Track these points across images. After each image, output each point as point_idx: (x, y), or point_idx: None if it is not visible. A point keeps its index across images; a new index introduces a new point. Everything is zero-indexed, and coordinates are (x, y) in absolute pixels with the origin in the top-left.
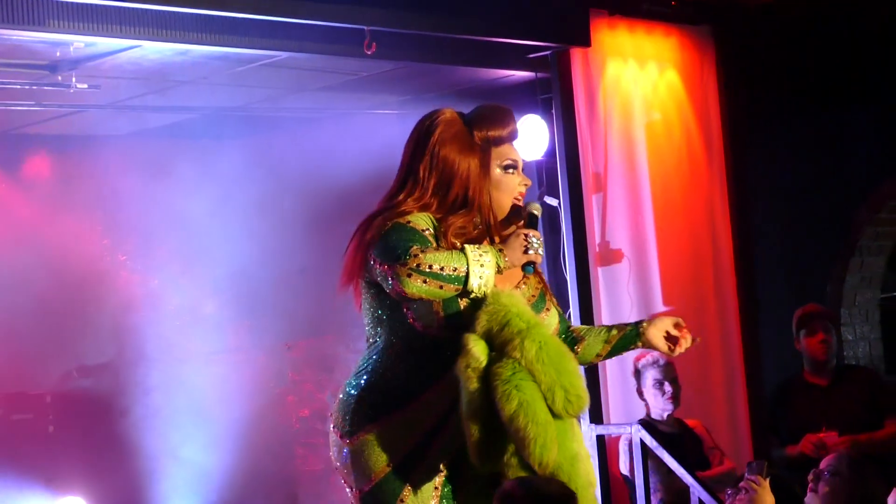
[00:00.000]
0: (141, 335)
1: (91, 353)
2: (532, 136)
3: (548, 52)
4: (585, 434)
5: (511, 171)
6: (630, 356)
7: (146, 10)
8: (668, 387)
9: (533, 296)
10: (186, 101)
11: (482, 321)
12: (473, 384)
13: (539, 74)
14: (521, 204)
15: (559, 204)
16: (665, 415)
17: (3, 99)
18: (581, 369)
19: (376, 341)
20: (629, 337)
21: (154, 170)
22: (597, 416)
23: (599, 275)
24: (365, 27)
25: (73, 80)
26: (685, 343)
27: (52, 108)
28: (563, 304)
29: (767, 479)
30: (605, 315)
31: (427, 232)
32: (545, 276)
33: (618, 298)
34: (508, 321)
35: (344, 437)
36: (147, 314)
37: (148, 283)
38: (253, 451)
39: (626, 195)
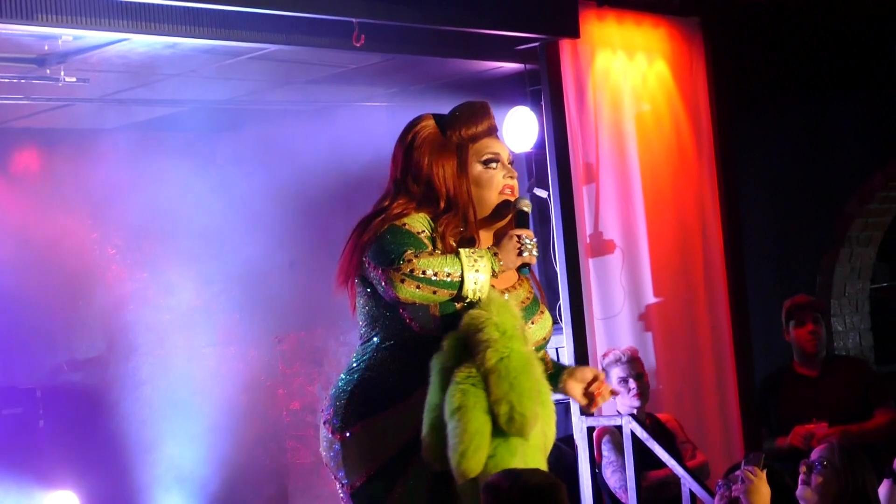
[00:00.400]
0: (131, 329)
1: (81, 347)
2: (521, 128)
3: (536, 44)
4: (576, 426)
5: (493, 164)
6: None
7: (134, 3)
8: (632, 383)
9: (528, 298)
10: (175, 94)
11: (463, 323)
12: (436, 382)
13: (528, 66)
14: (511, 197)
15: (549, 195)
16: (633, 411)
17: None
18: (542, 390)
19: (371, 339)
20: (551, 379)
21: (143, 163)
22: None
23: (591, 266)
24: (353, 19)
25: (62, 73)
26: (601, 400)
27: (41, 102)
28: (554, 296)
29: (764, 471)
30: (597, 307)
31: (423, 234)
32: (537, 276)
33: (609, 290)
34: (483, 328)
35: (335, 433)
36: (137, 308)
37: (137, 277)
38: (243, 444)
39: (616, 186)
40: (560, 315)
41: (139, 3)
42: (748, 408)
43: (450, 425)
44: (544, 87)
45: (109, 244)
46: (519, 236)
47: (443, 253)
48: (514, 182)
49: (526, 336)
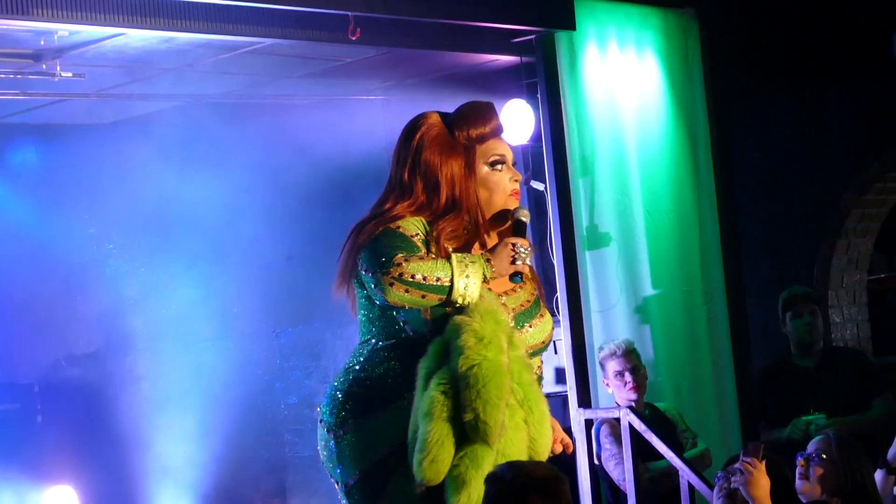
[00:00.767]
0: (128, 324)
1: (79, 342)
2: (517, 121)
3: (532, 37)
4: (574, 418)
5: (499, 166)
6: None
7: None
8: (628, 377)
9: (528, 301)
10: (170, 88)
11: (447, 327)
12: (420, 387)
13: (524, 59)
14: (517, 200)
15: (546, 188)
16: (630, 404)
17: None
18: (529, 396)
19: (368, 340)
20: None
21: (139, 158)
22: (585, 401)
23: (587, 259)
24: (349, 13)
25: (58, 68)
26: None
27: (37, 97)
28: (551, 289)
29: (763, 462)
30: (594, 299)
31: (417, 237)
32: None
33: (606, 282)
34: (462, 334)
35: (330, 431)
36: (134, 303)
37: (135, 272)
38: (241, 438)
39: (613, 178)
40: (557, 308)
41: None
42: (746, 399)
43: (419, 431)
44: (540, 80)
45: (106, 239)
46: (514, 244)
47: (437, 256)
48: (519, 185)
49: (513, 342)
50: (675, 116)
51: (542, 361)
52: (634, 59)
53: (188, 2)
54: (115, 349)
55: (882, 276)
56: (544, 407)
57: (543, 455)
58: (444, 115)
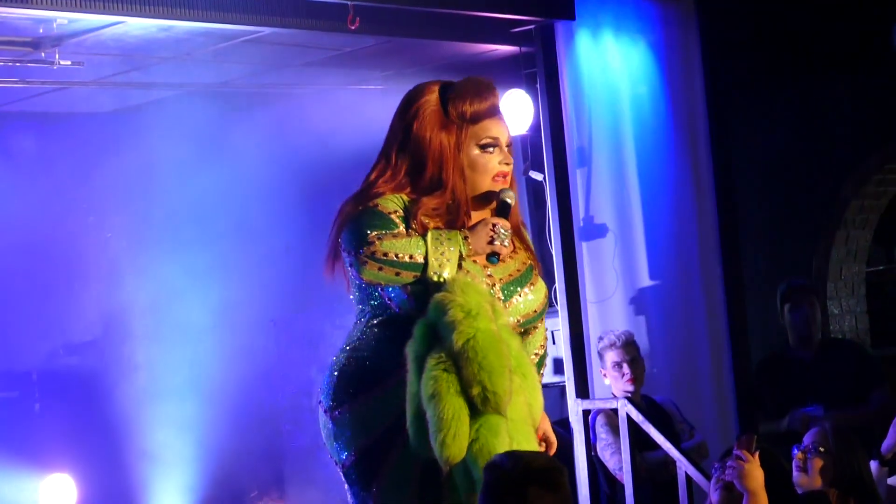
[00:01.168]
0: (127, 313)
1: (77, 330)
2: (516, 111)
3: (532, 26)
4: (571, 409)
5: (490, 150)
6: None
7: None
8: (626, 368)
9: (518, 270)
10: (169, 77)
11: (430, 307)
12: (413, 371)
13: (523, 48)
14: (504, 185)
15: (544, 178)
16: (626, 396)
17: None
18: (521, 362)
19: (361, 318)
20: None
21: (137, 146)
22: (583, 391)
23: (584, 249)
24: (348, 2)
25: (57, 56)
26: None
27: (36, 86)
28: (549, 279)
29: (757, 453)
30: (592, 289)
31: (395, 214)
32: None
33: (603, 273)
34: (448, 311)
35: (327, 412)
36: (132, 292)
37: (133, 261)
38: (239, 428)
39: (611, 169)
40: (555, 298)
41: None
42: (744, 391)
43: (428, 414)
44: (539, 70)
45: (105, 227)
46: (494, 224)
47: (418, 233)
48: (509, 168)
49: (498, 311)
50: (674, 108)
51: (546, 329)
52: (634, 50)
53: None
54: (113, 338)
55: (881, 267)
56: (535, 373)
57: (538, 422)
58: (443, 89)
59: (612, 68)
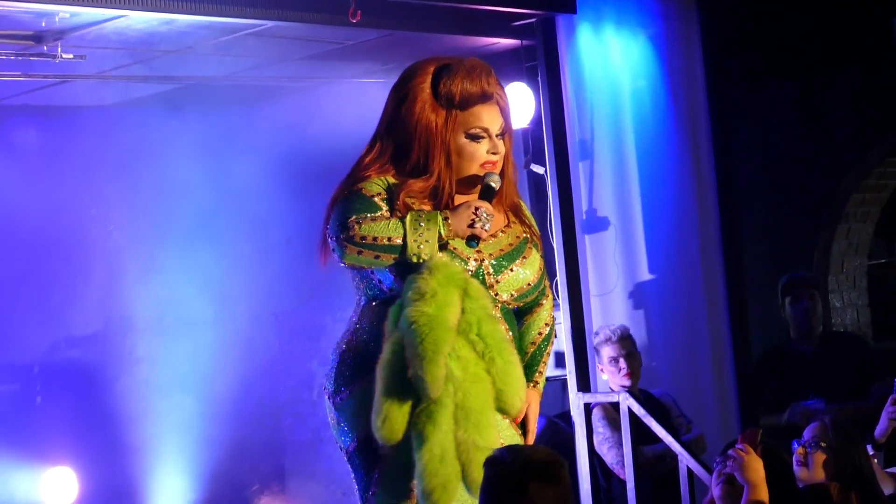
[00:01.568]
0: (128, 306)
1: (78, 323)
2: (518, 105)
3: (533, 20)
4: (573, 402)
5: (478, 139)
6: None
7: None
8: (622, 363)
9: (510, 244)
10: (172, 70)
11: (404, 289)
12: (385, 350)
13: (524, 42)
14: (492, 170)
15: (546, 171)
16: (623, 391)
17: None
18: (491, 343)
19: (360, 301)
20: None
21: (140, 140)
22: (584, 385)
23: (586, 242)
24: None
25: (59, 50)
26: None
27: (38, 79)
28: (551, 273)
29: (759, 447)
30: (593, 282)
31: (379, 196)
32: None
33: (604, 266)
34: (406, 292)
35: (331, 398)
36: (134, 285)
37: (135, 254)
38: (240, 421)
39: (613, 162)
40: (557, 292)
41: None
42: (745, 384)
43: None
44: (540, 63)
45: (107, 221)
46: (477, 208)
47: (402, 215)
48: (498, 157)
49: (470, 293)
50: (675, 101)
51: (553, 307)
52: (635, 43)
53: None
54: (115, 331)
55: (882, 261)
56: (511, 357)
57: (514, 407)
58: (440, 69)
59: (614, 62)
